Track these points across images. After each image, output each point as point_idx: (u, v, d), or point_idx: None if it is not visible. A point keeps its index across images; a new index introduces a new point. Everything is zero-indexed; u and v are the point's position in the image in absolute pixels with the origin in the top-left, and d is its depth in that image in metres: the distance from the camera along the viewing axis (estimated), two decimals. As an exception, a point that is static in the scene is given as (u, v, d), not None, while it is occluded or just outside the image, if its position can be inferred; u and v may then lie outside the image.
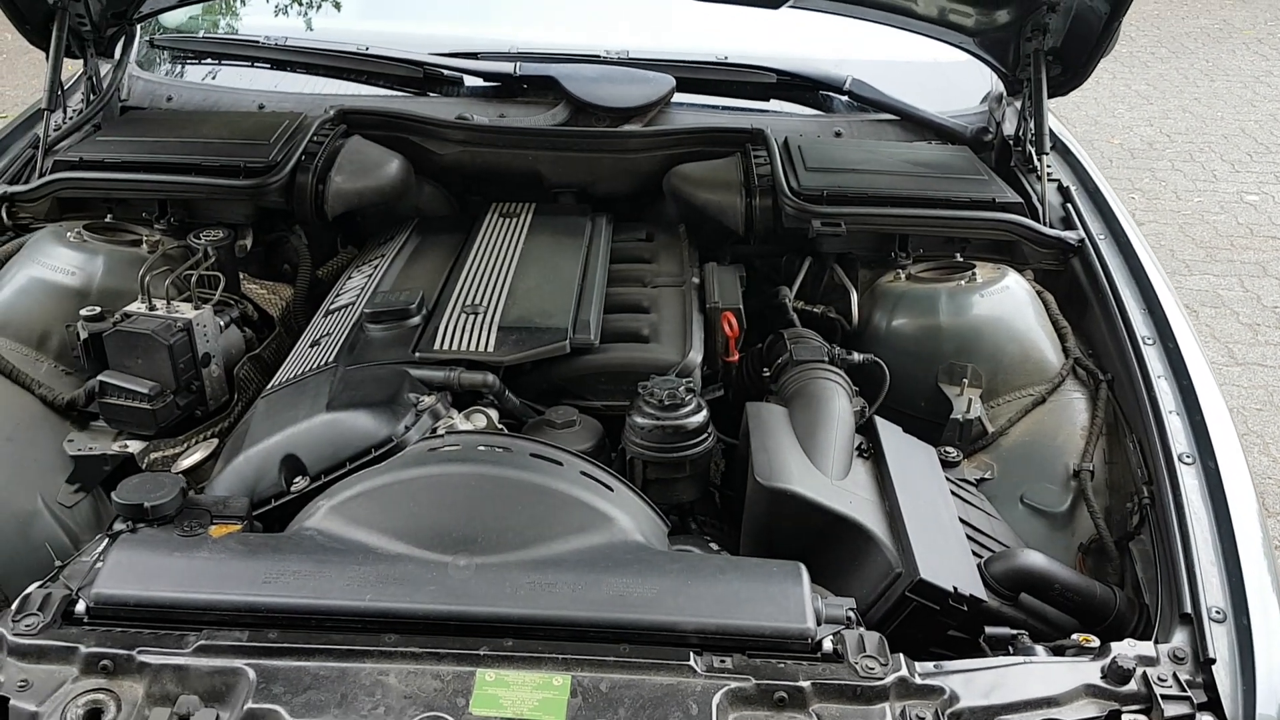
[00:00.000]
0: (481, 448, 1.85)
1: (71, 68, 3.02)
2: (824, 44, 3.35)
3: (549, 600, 1.51)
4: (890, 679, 1.43)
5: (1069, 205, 2.74)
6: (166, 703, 1.37)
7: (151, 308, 2.28)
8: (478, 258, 2.54)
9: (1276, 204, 6.58)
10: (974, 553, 1.82)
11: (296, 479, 1.90)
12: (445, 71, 3.27)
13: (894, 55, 3.33)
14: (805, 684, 1.42)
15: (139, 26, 3.20)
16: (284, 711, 1.35)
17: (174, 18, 3.50)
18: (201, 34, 3.63)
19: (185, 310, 2.29)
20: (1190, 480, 1.86)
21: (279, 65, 3.35)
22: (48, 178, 2.69)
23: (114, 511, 1.77)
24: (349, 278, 2.62)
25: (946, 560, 1.73)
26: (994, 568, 1.79)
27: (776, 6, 2.82)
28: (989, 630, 1.66)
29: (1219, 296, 5.53)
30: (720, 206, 2.76)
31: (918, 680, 1.44)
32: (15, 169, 2.81)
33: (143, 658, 1.42)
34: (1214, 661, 1.52)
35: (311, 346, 2.29)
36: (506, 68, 3.22)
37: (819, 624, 1.51)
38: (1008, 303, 2.48)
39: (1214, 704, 1.47)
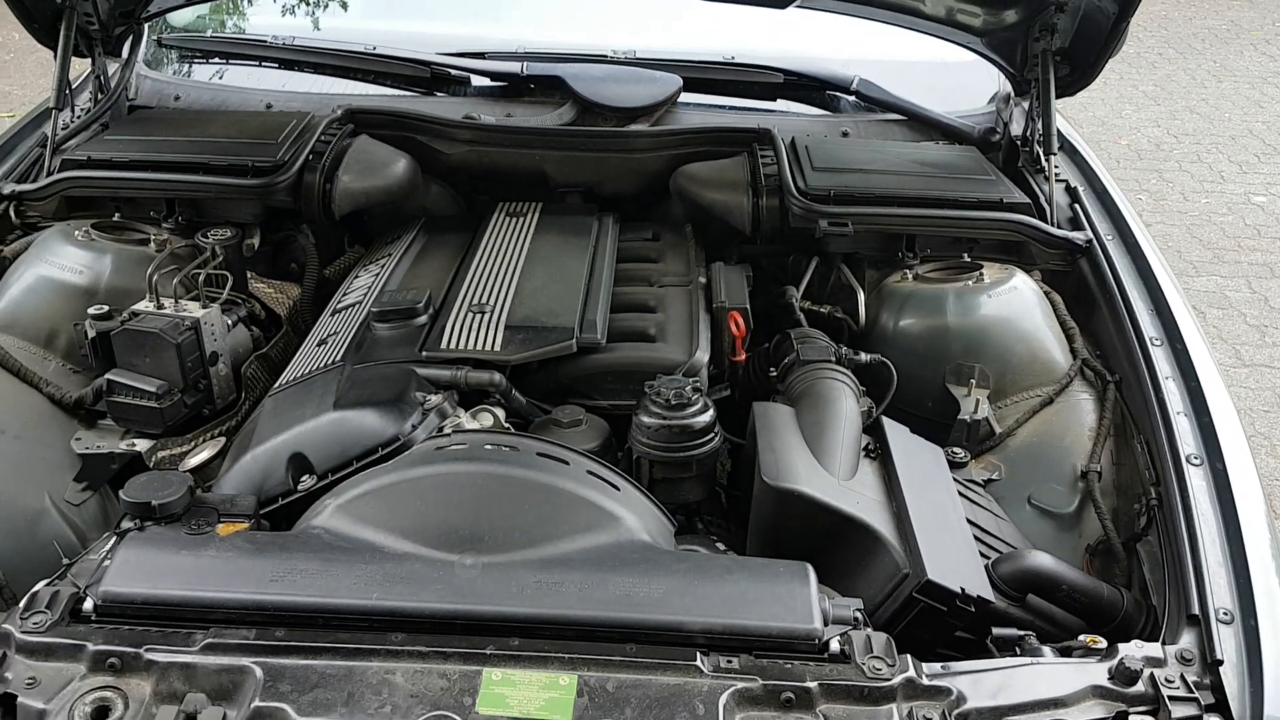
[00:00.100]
0: (488, 447, 1.85)
1: (79, 67, 3.03)
2: (831, 44, 3.35)
3: (555, 599, 1.51)
4: (897, 680, 1.43)
5: (1077, 206, 2.73)
6: (174, 701, 1.38)
7: (159, 306, 2.29)
8: (484, 257, 2.54)
9: (1284, 205, 6.58)
10: (981, 554, 1.82)
11: (304, 477, 1.91)
12: (452, 71, 3.27)
13: (901, 55, 3.32)
14: (812, 684, 1.42)
15: (147, 26, 3.20)
16: (291, 710, 1.35)
17: (182, 17, 3.51)
18: (209, 33, 3.64)
19: (193, 309, 2.29)
20: (1198, 481, 1.85)
21: (286, 65, 3.35)
22: (56, 176, 2.70)
23: (122, 510, 1.77)
24: (356, 277, 2.62)
25: (954, 561, 1.73)
26: (1001, 569, 1.79)
27: (784, 6, 2.83)
28: (996, 631, 1.66)
29: (1226, 298, 5.52)
30: (727, 206, 2.76)
31: (925, 681, 1.44)
32: (23, 168, 2.81)
33: (150, 656, 1.42)
34: (1221, 663, 1.52)
35: (318, 345, 2.29)
36: (513, 67, 3.22)
37: (826, 624, 1.50)
38: (1015, 303, 2.48)
39: (1221, 705, 1.47)
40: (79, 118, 2.95)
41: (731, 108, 3.27)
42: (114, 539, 1.69)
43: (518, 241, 2.62)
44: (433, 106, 3.12)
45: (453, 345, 2.17)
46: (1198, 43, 9.64)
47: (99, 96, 3.04)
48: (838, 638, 1.49)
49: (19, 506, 2.05)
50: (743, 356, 2.39)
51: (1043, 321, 2.46)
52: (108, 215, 2.70)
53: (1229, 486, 1.83)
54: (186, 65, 3.45)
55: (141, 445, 2.21)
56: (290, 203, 2.69)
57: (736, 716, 1.39)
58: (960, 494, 1.97)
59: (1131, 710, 1.45)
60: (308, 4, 3.82)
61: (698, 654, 1.45)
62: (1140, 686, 1.47)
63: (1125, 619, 1.78)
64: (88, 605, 1.51)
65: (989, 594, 1.72)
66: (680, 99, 3.18)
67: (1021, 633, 1.65)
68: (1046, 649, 1.60)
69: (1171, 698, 1.46)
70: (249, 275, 2.67)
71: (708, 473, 2.04)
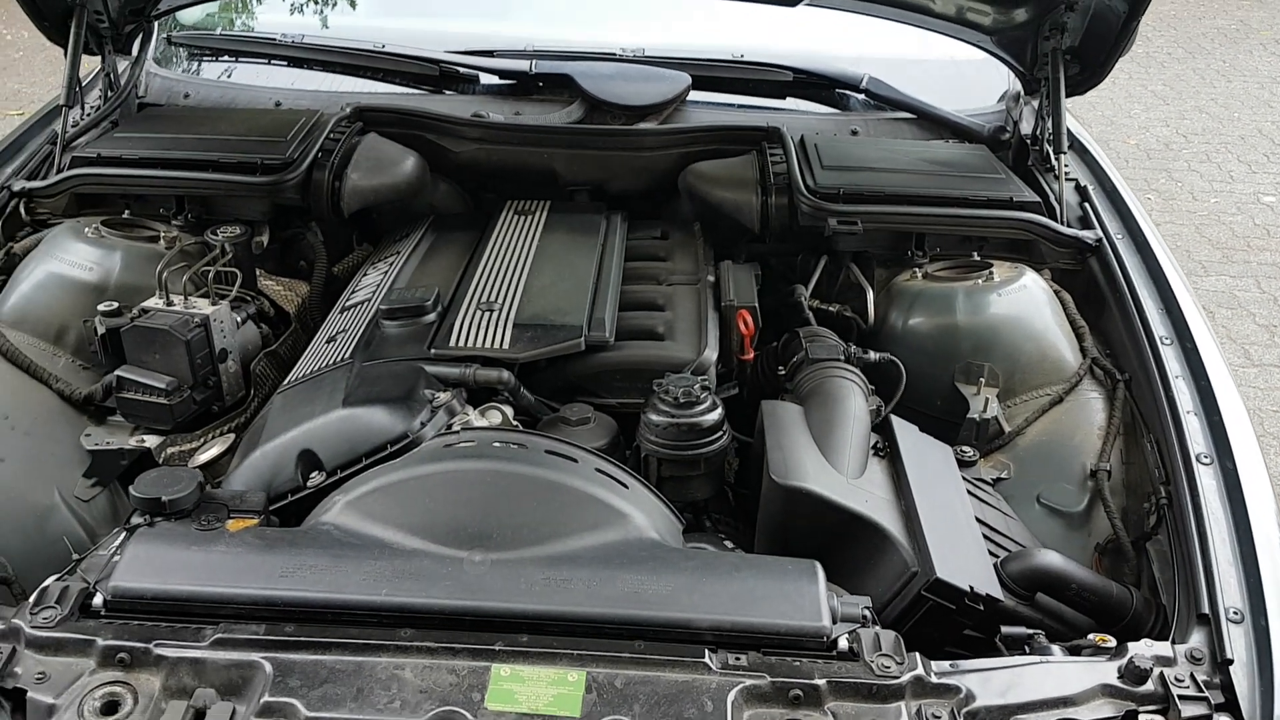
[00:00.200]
0: (497, 444, 1.86)
1: (89, 65, 3.03)
2: (840, 42, 3.35)
3: (564, 596, 1.51)
4: (906, 678, 1.43)
5: (1086, 204, 2.73)
6: (183, 695, 1.38)
7: (169, 303, 2.29)
8: (493, 255, 2.54)
9: (1294, 205, 6.56)
10: (990, 552, 1.82)
11: (313, 474, 1.91)
12: (461, 69, 3.27)
13: (911, 53, 3.32)
14: (821, 682, 1.42)
15: (156, 24, 3.21)
16: (300, 705, 1.35)
17: (191, 15, 3.51)
18: (219, 31, 3.64)
19: (202, 306, 2.29)
20: (1208, 480, 1.85)
21: (296, 63, 3.35)
22: (66, 174, 2.71)
23: (132, 505, 1.78)
24: (365, 274, 2.63)
25: (963, 559, 1.73)
26: (1010, 567, 1.79)
27: (794, 4, 2.82)
28: (1005, 630, 1.66)
29: (1235, 298, 5.51)
30: (736, 204, 2.76)
31: (933, 679, 1.44)
32: (33, 165, 2.82)
33: (160, 651, 1.42)
34: (1231, 662, 1.51)
35: (327, 343, 2.29)
36: (522, 65, 3.22)
37: (835, 622, 1.50)
38: (1025, 302, 2.47)
39: (1231, 705, 1.47)
40: (89, 115, 2.96)
41: (740, 106, 3.26)
42: (124, 534, 1.69)
43: (526, 240, 2.62)
44: (441, 105, 3.12)
45: (461, 343, 2.17)
46: (1207, 42, 9.61)
47: (109, 94, 3.04)
48: (846, 635, 1.49)
49: (29, 502, 2.05)
50: (751, 355, 2.39)
51: (1052, 320, 2.45)
52: (117, 212, 2.70)
53: (1239, 485, 1.83)
54: (196, 63, 3.45)
55: (151, 441, 2.21)
56: (299, 200, 2.70)
57: (745, 713, 1.39)
58: (969, 493, 1.96)
59: (1141, 709, 1.45)
60: (316, 3, 3.82)
61: (706, 651, 1.45)
62: (1150, 685, 1.47)
63: (1135, 618, 1.77)
64: (97, 600, 1.51)
65: (998, 592, 1.71)
66: (689, 97, 3.17)
67: (1030, 631, 1.65)
68: (1055, 648, 1.59)
69: (1181, 697, 1.45)
70: (258, 273, 2.68)
71: (716, 471, 2.04)
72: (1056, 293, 2.54)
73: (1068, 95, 2.83)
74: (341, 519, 1.67)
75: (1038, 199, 2.68)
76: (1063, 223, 2.65)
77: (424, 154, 2.90)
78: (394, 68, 3.29)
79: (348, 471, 1.87)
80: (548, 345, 2.17)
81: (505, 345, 2.16)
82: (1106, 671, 1.49)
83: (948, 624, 1.70)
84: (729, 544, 1.91)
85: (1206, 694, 1.46)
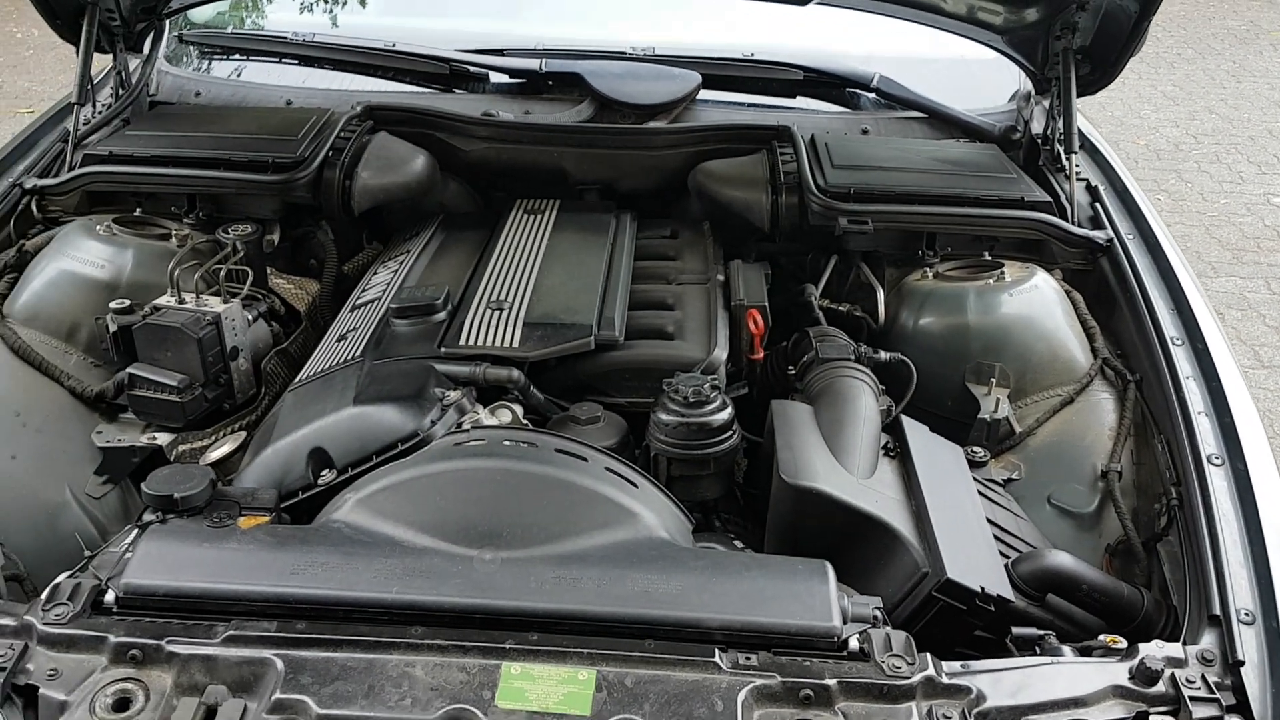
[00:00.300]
0: (507, 443, 1.86)
1: (101, 63, 3.04)
2: (851, 41, 3.35)
3: (574, 595, 1.51)
4: (917, 678, 1.43)
5: (1097, 205, 2.72)
6: (195, 692, 1.38)
7: (181, 301, 2.30)
8: (503, 254, 2.55)
9: (1304, 206, 6.54)
10: (1001, 553, 1.82)
11: (324, 472, 1.91)
12: (471, 68, 3.27)
13: (922, 53, 3.31)
14: (831, 682, 1.42)
15: (168, 22, 3.21)
16: (312, 702, 1.36)
17: (202, 13, 3.52)
18: (230, 30, 3.65)
19: (214, 304, 2.30)
20: (1219, 482, 1.84)
21: (306, 61, 3.36)
22: (77, 171, 2.72)
23: (143, 502, 1.78)
24: (375, 273, 2.63)
25: (973, 560, 1.73)
26: (1021, 568, 1.78)
27: (804, 3, 2.82)
28: (1016, 630, 1.66)
29: (1245, 299, 5.49)
30: (746, 203, 2.76)
31: (944, 680, 1.44)
32: (45, 163, 2.83)
33: (171, 648, 1.43)
34: (1243, 663, 1.51)
35: (338, 341, 2.30)
36: (532, 64, 3.22)
37: (845, 622, 1.50)
38: (1036, 302, 2.47)
39: (1242, 706, 1.46)
40: (100, 113, 2.97)
41: (751, 105, 3.26)
42: (136, 531, 1.70)
43: (536, 238, 2.62)
44: (451, 103, 3.12)
45: (471, 342, 2.17)
46: (1217, 43, 9.59)
47: (120, 92, 3.05)
48: (857, 636, 1.49)
49: (40, 499, 2.06)
50: (761, 354, 2.39)
51: (1063, 320, 2.45)
52: (129, 210, 2.71)
53: (1250, 487, 1.82)
54: (207, 62, 3.46)
55: (162, 439, 2.22)
56: (310, 199, 2.70)
57: (755, 713, 1.39)
58: (980, 493, 1.96)
59: (1152, 710, 1.45)
60: (327, 2, 3.83)
61: (716, 650, 1.45)
62: (1161, 687, 1.47)
63: (1145, 619, 1.77)
64: (109, 597, 1.52)
65: (1008, 593, 1.71)
66: (699, 96, 3.17)
67: (1041, 632, 1.65)
68: (1066, 648, 1.59)
69: (1192, 698, 1.45)
70: (269, 271, 2.68)
71: (725, 471, 2.04)
72: (1068, 293, 2.54)
73: (1079, 95, 2.82)
74: (352, 517, 1.67)
75: (1049, 199, 2.67)
76: (1074, 223, 2.65)
77: (434, 153, 2.90)
78: (404, 67, 3.29)
79: (358, 469, 1.88)
80: (557, 344, 2.17)
81: (515, 344, 2.16)
82: (1117, 673, 1.49)
83: (958, 625, 1.70)
84: (738, 544, 1.91)
85: (1218, 695, 1.46)
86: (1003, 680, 1.47)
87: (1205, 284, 5.38)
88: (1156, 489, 2.03)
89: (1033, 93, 3.10)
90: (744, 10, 2.92)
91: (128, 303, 2.32)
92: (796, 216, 2.69)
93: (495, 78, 3.30)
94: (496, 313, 2.26)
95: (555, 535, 1.62)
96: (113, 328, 2.28)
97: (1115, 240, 2.57)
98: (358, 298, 2.52)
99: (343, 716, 1.35)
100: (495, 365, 2.12)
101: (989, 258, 2.62)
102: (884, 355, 2.30)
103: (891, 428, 2.07)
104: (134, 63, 3.12)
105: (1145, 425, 2.18)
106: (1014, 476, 2.16)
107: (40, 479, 2.09)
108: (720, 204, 2.82)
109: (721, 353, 2.23)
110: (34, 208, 2.72)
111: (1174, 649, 1.53)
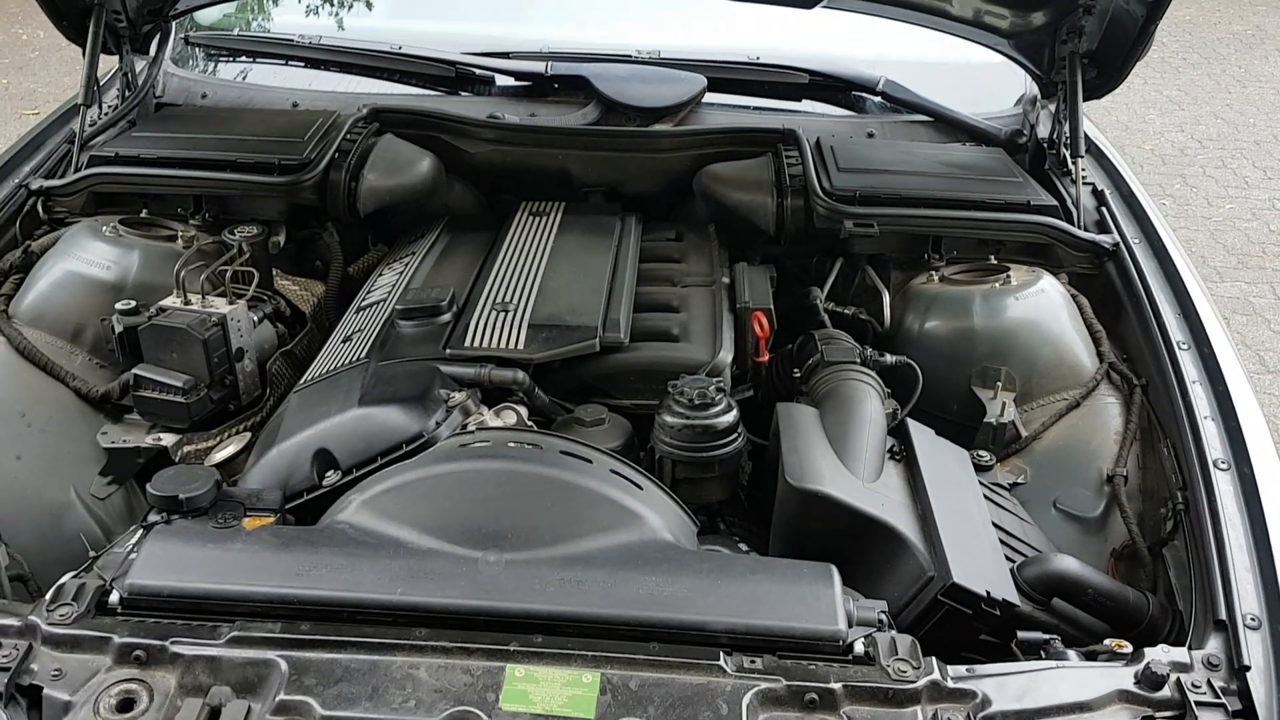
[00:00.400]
0: (512, 444, 1.86)
1: (107, 64, 3.05)
2: (857, 44, 3.34)
3: (579, 597, 1.51)
4: (922, 682, 1.43)
5: (1103, 209, 2.72)
6: (199, 693, 1.38)
7: (186, 302, 2.30)
8: (508, 256, 2.55)
9: (1310, 211, 6.53)
10: (1006, 557, 1.81)
11: (328, 473, 1.91)
12: (477, 71, 3.27)
13: (927, 56, 3.30)
14: (836, 686, 1.41)
15: (174, 24, 3.22)
16: (315, 703, 1.36)
17: (209, 15, 3.53)
18: (236, 32, 3.65)
19: (219, 305, 2.30)
20: (1225, 486, 1.84)
21: (313, 64, 3.36)
22: (83, 172, 2.72)
23: (148, 503, 1.78)
24: (380, 275, 2.63)
25: (979, 564, 1.72)
26: (1026, 572, 1.78)
27: (810, 6, 2.81)
28: (1021, 635, 1.65)
29: (1250, 304, 5.48)
30: (751, 206, 2.76)
31: (950, 684, 1.44)
32: (51, 164, 2.83)
33: (176, 648, 1.43)
34: (1248, 668, 1.50)
35: (343, 343, 2.30)
36: (538, 67, 3.22)
37: (850, 626, 1.50)
38: (1042, 306, 2.47)
39: (1248, 711, 1.46)
40: (106, 115, 2.97)
41: (756, 108, 3.26)
42: (141, 532, 1.70)
43: (541, 241, 2.62)
44: (457, 106, 3.12)
45: (476, 343, 2.17)
46: (1222, 48, 9.58)
47: (126, 94, 3.05)
48: (862, 639, 1.48)
49: (45, 500, 2.06)
50: (766, 357, 2.39)
51: (1069, 325, 2.44)
52: (135, 211, 2.71)
53: (1256, 491, 1.81)
54: (213, 64, 3.47)
55: (167, 440, 2.22)
56: (316, 200, 2.70)
57: (760, 717, 1.39)
58: (985, 497, 1.96)
59: (1157, 715, 1.44)
60: (333, 4, 3.84)
61: (721, 654, 1.44)
62: (1166, 691, 1.46)
63: (1151, 623, 1.77)
64: (114, 598, 1.52)
65: (1014, 597, 1.71)
66: (704, 99, 3.17)
67: (1046, 636, 1.64)
68: (1072, 653, 1.59)
69: (1198, 703, 1.45)
70: (274, 272, 2.68)
71: (730, 473, 2.04)
72: (1073, 297, 2.53)
73: (1085, 99, 2.82)
74: (357, 518, 1.68)
75: (1055, 203, 2.67)
76: (1080, 227, 2.64)
77: (440, 155, 2.90)
78: (410, 69, 3.30)
79: (363, 471, 1.88)
80: (563, 346, 2.17)
81: (520, 346, 2.16)
82: (1123, 677, 1.48)
83: (964, 629, 1.70)
84: (743, 547, 1.91)
85: (1223, 700, 1.45)
86: (1008, 684, 1.47)
87: (1210, 289, 5.37)
88: (1162, 493, 2.02)
89: (1039, 97, 3.10)
90: (749, 13, 2.92)
91: (133, 304, 2.32)
92: (802, 219, 2.69)
93: (501, 80, 3.30)
94: (501, 314, 2.26)
95: (560, 537, 1.62)
96: (118, 329, 2.29)
97: (1121, 244, 2.57)
98: (363, 299, 2.52)
99: (347, 718, 1.35)
100: (500, 367, 2.12)
101: (995, 261, 2.61)
102: (889, 358, 2.30)
103: (897, 431, 2.07)
104: (140, 64, 3.13)
105: (1151, 430, 2.18)
106: (1019, 480, 2.16)
107: (45, 479, 2.09)
108: (725, 207, 2.82)
109: (727, 355, 2.23)
110: (40, 209, 2.72)
111: (1179, 654, 1.52)
